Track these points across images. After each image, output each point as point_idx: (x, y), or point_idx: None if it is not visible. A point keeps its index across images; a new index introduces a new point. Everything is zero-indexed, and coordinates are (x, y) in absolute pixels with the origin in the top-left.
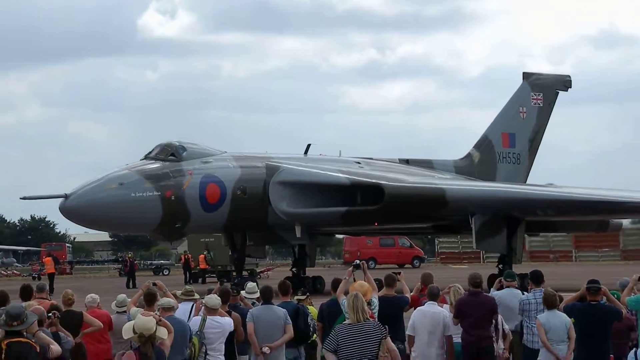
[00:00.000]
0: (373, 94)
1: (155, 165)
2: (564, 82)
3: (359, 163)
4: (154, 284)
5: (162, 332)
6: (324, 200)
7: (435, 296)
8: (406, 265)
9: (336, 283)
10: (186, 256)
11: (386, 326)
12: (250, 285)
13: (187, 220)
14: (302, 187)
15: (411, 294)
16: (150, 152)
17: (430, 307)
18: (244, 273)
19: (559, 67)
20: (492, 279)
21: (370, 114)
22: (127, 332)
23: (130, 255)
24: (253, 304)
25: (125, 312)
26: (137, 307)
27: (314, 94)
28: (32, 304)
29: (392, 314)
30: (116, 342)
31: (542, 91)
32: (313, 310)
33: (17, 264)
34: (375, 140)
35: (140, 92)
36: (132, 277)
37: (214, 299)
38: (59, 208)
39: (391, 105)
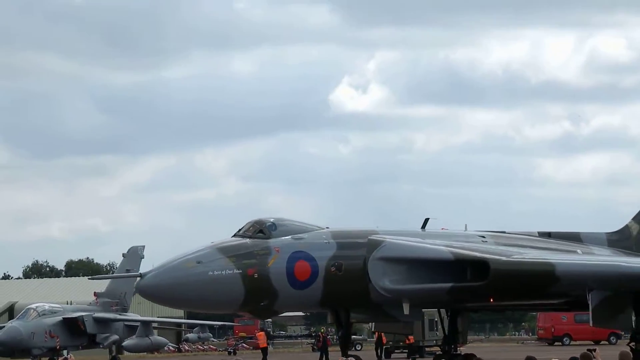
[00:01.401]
0: (567, 166)
1: (240, 242)
2: None
3: (483, 237)
4: None
5: None
6: (431, 276)
7: None
8: (602, 342)
9: None
10: (379, 332)
11: None
12: None
13: (274, 298)
14: (406, 263)
15: None
16: (240, 230)
17: None
18: (434, 349)
19: None
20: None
21: (564, 187)
22: None
23: (323, 330)
24: None
25: None
26: None
27: (508, 167)
28: None
29: None
30: None
31: None
32: None
33: (212, 339)
34: (568, 213)
35: (332, 166)
36: (325, 353)
37: None
38: (135, 287)
39: (585, 178)
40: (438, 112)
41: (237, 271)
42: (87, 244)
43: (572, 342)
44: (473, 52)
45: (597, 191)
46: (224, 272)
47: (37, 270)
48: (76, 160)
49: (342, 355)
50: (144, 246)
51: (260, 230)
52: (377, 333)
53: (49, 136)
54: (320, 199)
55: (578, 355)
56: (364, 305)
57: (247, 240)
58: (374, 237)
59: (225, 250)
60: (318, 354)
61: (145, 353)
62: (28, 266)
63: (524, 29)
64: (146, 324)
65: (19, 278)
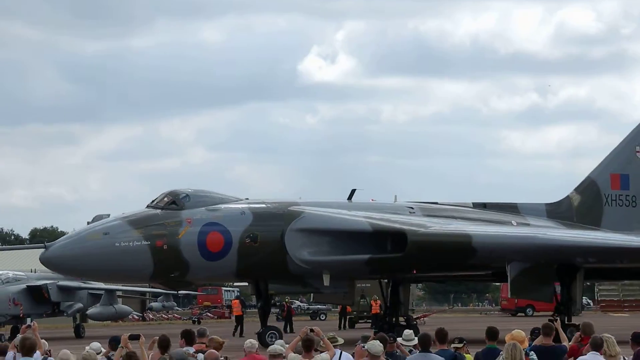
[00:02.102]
0: (533, 138)
1: (150, 213)
2: None
3: (411, 208)
4: (312, 330)
5: None
6: (350, 247)
7: (599, 347)
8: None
9: (491, 331)
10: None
11: None
12: (407, 332)
13: (186, 269)
14: (324, 234)
15: (570, 343)
16: (153, 201)
17: (592, 357)
18: (401, 320)
19: None
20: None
21: (530, 158)
22: None
23: (287, 300)
24: (410, 351)
25: (282, 357)
26: (295, 353)
27: (474, 138)
28: (188, 349)
29: None
30: None
31: None
32: (469, 358)
33: (177, 308)
34: (534, 184)
35: (300, 136)
36: (290, 322)
37: (377, 346)
38: (39, 258)
39: (551, 149)
40: (406, 83)
41: (145, 242)
42: (52, 212)
43: (535, 313)
44: (442, 22)
45: (562, 163)
46: (131, 244)
47: (1, 238)
48: (41, 128)
49: (262, 326)
50: (109, 214)
51: (173, 201)
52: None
53: (14, 103)
54: (288, 169)
55: (540, 326)
56: (283, 277)
57: (159, 211)
58: (293, 208)
59: (134, 222)
60: (282, 323)
61: (109, 321)
62: None
63: (492, 1)
64: (110, 292)
65: None
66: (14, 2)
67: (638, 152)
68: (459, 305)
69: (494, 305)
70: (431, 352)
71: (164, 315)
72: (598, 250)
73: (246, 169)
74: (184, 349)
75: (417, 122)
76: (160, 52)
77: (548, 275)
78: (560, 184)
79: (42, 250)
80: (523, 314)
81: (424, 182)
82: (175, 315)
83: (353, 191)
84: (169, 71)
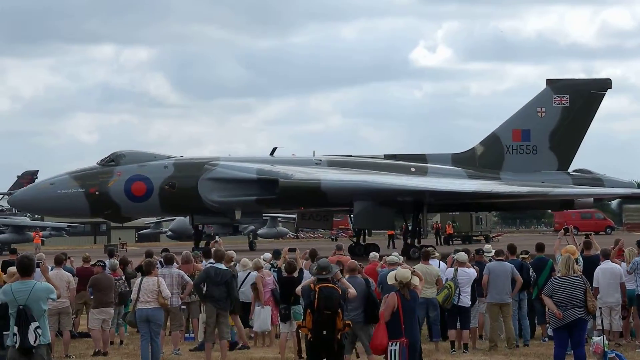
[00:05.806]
0: None
1: (89, 169)
2: (601, 84)
3: (320, 161)
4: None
5: (415, 280)
6: (244, 190)
7: (608, 255)
8: (600, 232)
9: (539, 246)
10: (436, 225)
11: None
12: (487, 246)
13: (117, 208)
14: (228, 182)
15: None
16: (102, 159)
17: (605, 265)
18: (479, 238)
19: None
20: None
21: None
22: (390, 279)
23: (403, 224)
24: (490, 260)
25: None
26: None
27: None
28: (333, 259)
29: (592, 269)
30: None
31: (569, 93)
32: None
33: (320, 229)
34: None
35: (409, 106)
36: (404, 239)
37: (463, 256)
38: (7, 201)
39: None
40: (487, 67)
41: (81, 190)
42: None
43: (579, 233)
44: (514, 22)
45: (598, 123)
46: (69, 191)
47: None
48: (226, 101)
49: (194, 246)
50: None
51: (113, 159)
52: (434, 225)
53: (208, 84)
54: (400, 130)
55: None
56: (203, 212)
57: (99, 167)
58: (211, 162)
59: (75, 176)
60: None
61: (272, 239)
62: None
63: (553, 5)
64: (274, 217)
65: None
66: (208, 12)
67: (538, 112)
68: (523, 227)
69: (549, 227)
70: (504, 261)
71: (311, 235)
72: (405, 192)
73: (370, 130)
74: (327, 258)
75: (494, 96)
76: (310, 47)
77: (387, 210)
78: (595, 144)
79: (12, 195)
80: (570, 233)
81: None
82: (319, 234)
83: (274, 149)
84: (315, 60)
